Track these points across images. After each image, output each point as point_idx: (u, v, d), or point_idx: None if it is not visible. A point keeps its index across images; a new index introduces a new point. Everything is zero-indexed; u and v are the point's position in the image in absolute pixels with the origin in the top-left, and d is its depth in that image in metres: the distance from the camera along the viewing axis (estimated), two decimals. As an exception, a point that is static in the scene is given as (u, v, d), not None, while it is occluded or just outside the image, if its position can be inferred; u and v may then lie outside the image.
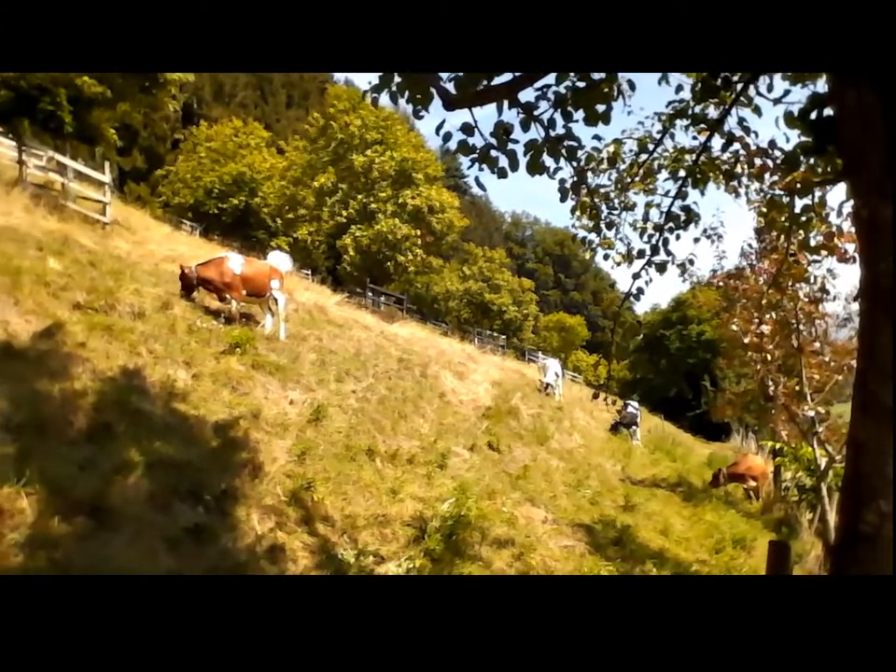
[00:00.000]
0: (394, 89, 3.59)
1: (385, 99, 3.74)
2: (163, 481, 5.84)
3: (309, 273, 35.49)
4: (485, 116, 3.52)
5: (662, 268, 4.79)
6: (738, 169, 4.60)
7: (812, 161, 3.27)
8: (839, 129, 2.42)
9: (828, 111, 2.74)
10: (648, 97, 4.92)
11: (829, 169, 3.27)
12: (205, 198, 43.01)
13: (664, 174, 5.07)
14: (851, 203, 3.61)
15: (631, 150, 5.49)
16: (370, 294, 35.25)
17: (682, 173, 4.68)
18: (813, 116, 2.78)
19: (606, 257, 5.33)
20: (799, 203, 4.06)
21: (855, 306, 11.09)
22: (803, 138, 3.04)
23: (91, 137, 20.16)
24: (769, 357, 10.08)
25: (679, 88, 4.77)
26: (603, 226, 5.12)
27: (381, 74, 3.55)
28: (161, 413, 7.14)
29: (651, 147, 5.36)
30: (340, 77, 76.04)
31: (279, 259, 13.30)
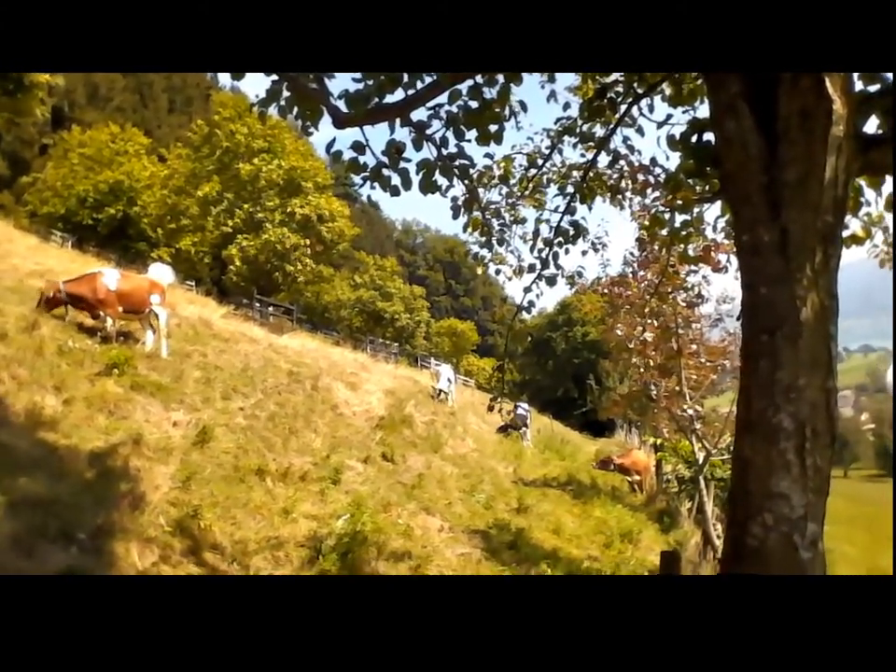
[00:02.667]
0: (283, 103, 3.44)
1: (273, 108, 3.61)
2: (28, 522, 5.30)
3: (193, 284, 34.04)
4: (377, 133, 3.45)
5: (552, 281, 4.89)
6: (623, 185, 4.77)
7: (692, 180, 3.41)
8: (722, 160, 2.52)
9: (707, 135, 2.86)
10: (536, 113, 5.02)
11: (707, 188, 3.42)
12: (78, 207, 40.17)
13: (553, 189, 5.19)
14: (726, 219, 3.82)
15: (521, 165, 5.59)
16: (257, 305, 34.26)
17: (571, 189, 4.80)
18: (693, 139, 2.90)
19: (497, 272, 5.40)
20: (679, 219, 4.24)
21: (725, 307, 11.95)
22: (683, 159, 3.17)
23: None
24: (651, 363, 10.62)
25: (567, 105, 4.91)
26: (494, 242, 5.17)
27: (268, 87, 3.40)
28: (25, 445, 6.53)
29: (540, 161, 5.49)
30: (225, 83, 73.15)
31: (160, 272, 12.62)
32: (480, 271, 5.41)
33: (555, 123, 5.17)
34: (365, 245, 68.33)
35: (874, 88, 2.55)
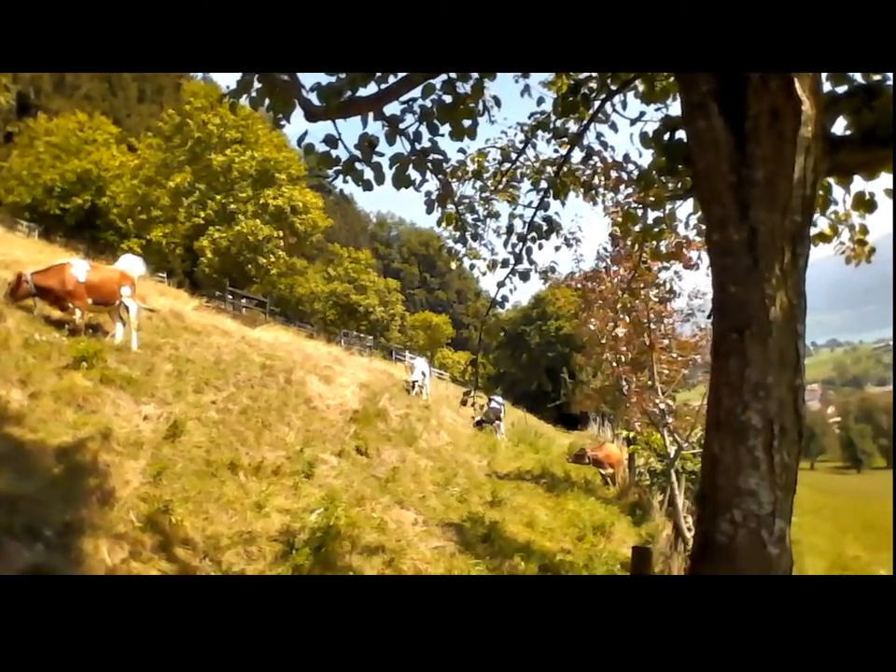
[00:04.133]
0: (254, 94, 3.40)
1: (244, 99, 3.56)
2: (-7, 519, 5.21)
3: (164, 276, 33.56)
4: (349, 127, 3.42)
5: (525, 276, 4.90)
6: (596, 180, 4.80)
7: (664, 178, 3.44)
8: (693, 158, 2.54)
9: (679, 133, 2.87)
10: (510, 108, 5.02)
11: (679, 185, 3.45)
12: (45, 197, 39.31)
13: (526, 184, 5.20)
14: (697, 216, 3.85)
15: (494, 159, 5.59)
16: (230, 298, 33.90)
17: (544, 184, 4.81)
18: (666, 137, 2.92)
19: (472, 267, 5.40)
20: (651, 215, 4.27)
21: (697, 302, 12.12)
22: (656, 157, 3.19)
23: None
24: (623, 358, 10.73)
25: (541, 100, 4.91)
26: (468, 236, 5.17)
27: (238, 78, 3.35)
28: (-10, 440, 6.40)
29: (513, 155, 5.49)
30: (196, 72, 71.88)
31: (131, 263, 12.39)
32: (454, 265, 5.41)
33: (529, 118, 5.18)
34: (339, 238, 67.97)
35: (841, 89, 2.60)
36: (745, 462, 2.32)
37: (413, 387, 19.85)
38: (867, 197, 3.27)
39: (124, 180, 39.95)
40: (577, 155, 4.75)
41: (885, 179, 2.84)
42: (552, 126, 4.65)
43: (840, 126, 2.61)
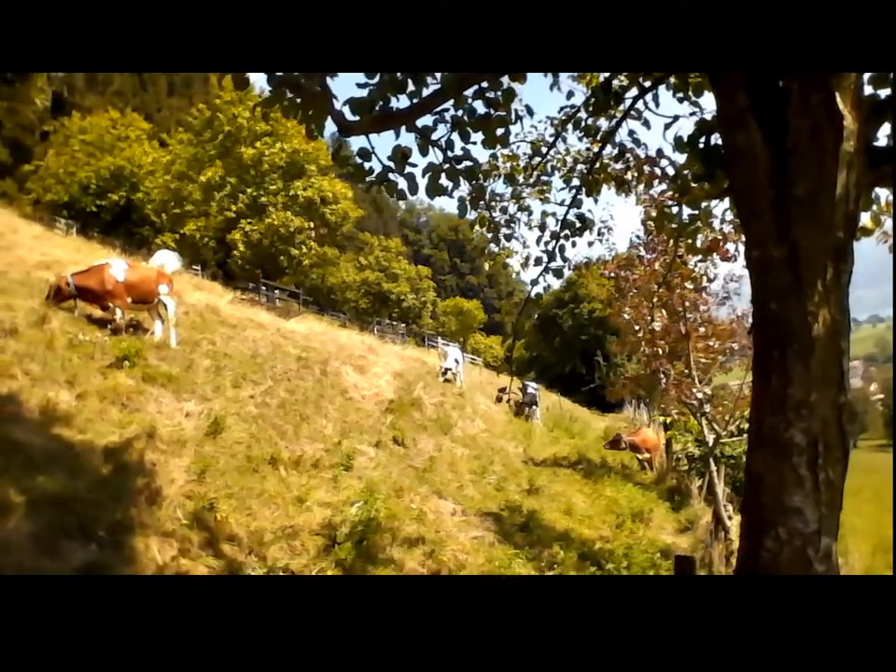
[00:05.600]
0: (286, 104, 3.43)
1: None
2: (48, 520, 5.38)
3: (199, 268, 34.07)
4: (382, 138, 3.44)
5: (559, 274, 4.90)
6: (629, 176, 4.75)
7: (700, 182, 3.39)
8: (731, 173, 2.51)
9: (715, 136, 2.83)
10: (540, 101, 4.98)
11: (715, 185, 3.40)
12: (81, 194, 40.05)
13: (557, 179, 5.17)
14: (734, 212, 3.79)
15: (525, 154, 5.57)
16: (263, 289, 34.28)
17: (576, 182, 4.78)
18: (701, 141, 2.88)
19: (505, 266, 5.40)
20: (686, 211, 4.22)
21: (733, 285, 11.91)
22: (690, 162, 3.15)
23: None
24: (660, 351, 10.62)
25: (571, 94, 4.87)
26: (502, 237, 5.17)
27: (271, 89, 3.39)
28: (41, 441, 6.58)
29: (544, 149, 5.47)
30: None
31: (166, 259, 12.61)
32: (487, 266, 5.42)
33: (559, 111, 5.15)
34: (369, 226, 68.05)
35: (884, 92, 2.52)
36: (789, 480, 2.31)
37: (446, 374, 19.91)
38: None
39: (157, 176, 40.55)
40: (609, 150, 4.72)
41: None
42: (583, 124, 4.63)
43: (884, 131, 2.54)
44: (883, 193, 3.69)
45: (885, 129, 2.48)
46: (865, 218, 3.64)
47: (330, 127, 3.58)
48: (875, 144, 2.47)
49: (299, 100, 3.24)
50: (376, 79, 3.14)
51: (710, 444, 11.07)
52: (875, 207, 3.78)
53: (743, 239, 2.77)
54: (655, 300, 9.55)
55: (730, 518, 9.98)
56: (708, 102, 3.30)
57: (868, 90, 2.48)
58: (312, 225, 35.73)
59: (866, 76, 2.45)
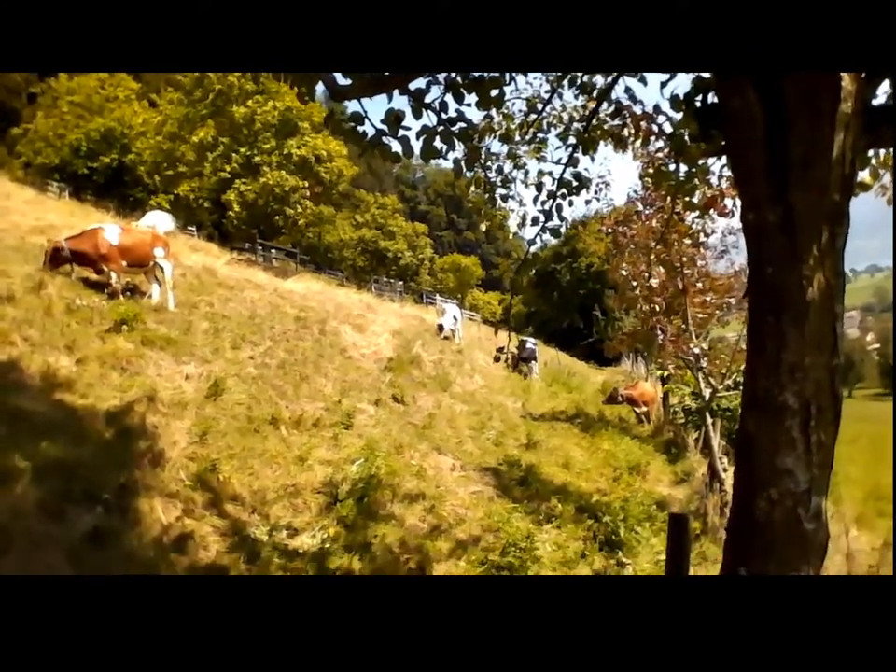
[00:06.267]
0: (277, 69, 3.36)
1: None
2: (54, 485, 5.45)
3: (194, 229, 33.81)
4: (374, 101, 3.39)
5: (556, 233, 4.87)
6: (626, 132, 4.69)
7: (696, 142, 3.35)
8: (727, 135, 2.47)
9: (711, 95, 2.79)
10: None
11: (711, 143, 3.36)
12: (72, 157, 39.28)
13: (554, 141, 5.10)
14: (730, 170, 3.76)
15: (521, 111, 5.49)
16: (259, 249, 34.10)
17: (572, 140, 4.72)
18: (698, 100, 2.84)
19: (502, 226, 5.37)
20: (683, 169, 4.18)
21: (731, 238, 11.86)
22: (686, 121, 3.10)
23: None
24: (658, 308, 10.63)
25: (566, 49, 4.75)
26: (498, 197, 5.13)
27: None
28: (44, 408, 6.63)
29: (539, 106, 5.39)
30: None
31: (159, 219, 12.49)
32: (484, 227, 5.39)
33: (555, 66, 5.05)
34: (365, 183, 67.30)
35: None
36: (781, 442, 2.34)
37: (443, 329, 19.97)
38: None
39: (148, 137, 39.81)
40: (605, 107, 4.65)
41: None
42: (579, 81, 4.55)
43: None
44: (882, 150, 3.65)
45: (884, 87, 2.45)
46: (863, 174, 3.61)
47: (322, 87, 3.54)
48: (873, 104, 2.44)
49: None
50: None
51: (707, 398, 11.17)
52: (874, 161, 3.74)
53: (741, 228, 2.76)
54: (653, 256, 9.52)
55: (725, 470, 10.13)
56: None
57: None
58: (307, 184, 35.39)
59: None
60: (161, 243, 11.56)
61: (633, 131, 4.55)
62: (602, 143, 5.09)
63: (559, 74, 4.89)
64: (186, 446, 7.31)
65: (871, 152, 3.29)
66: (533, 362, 21.36)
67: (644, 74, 3.97)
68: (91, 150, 39.65)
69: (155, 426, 7.36)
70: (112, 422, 7.05)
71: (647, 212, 10.72)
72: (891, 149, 3.16)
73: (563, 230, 4.90)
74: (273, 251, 36.44)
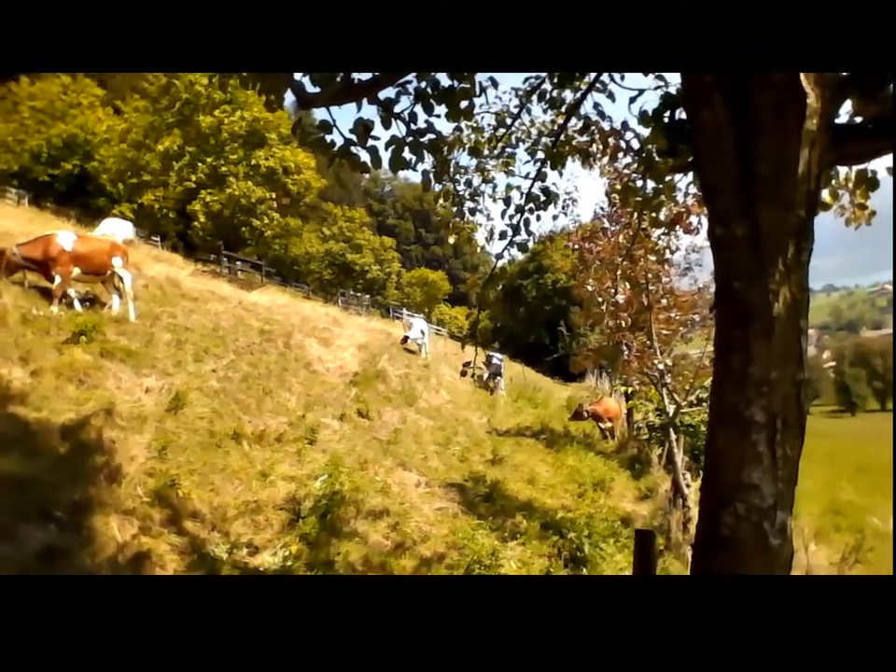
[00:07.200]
0: (244, 74, 3.31)
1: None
2: (4, 501, 5.23)
3: (158, 240, 33.30)
4: (343, 110, 3.37)
5: (524, 248, 4.89)
6: (594, 148, 4.73)
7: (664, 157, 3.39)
8: (696, 149, 2.50)
9: (680, 111, 2.82)
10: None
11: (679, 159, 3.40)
12: (33, 163, 38.50)
13: (522, 151, 5.13)
14: (698, 184, 3.81)
15: (489, 125, 5.52)
16: (225, 261, 33.70)
17: (541, 155, 4.74)
18: (666, 116, 2.87)
19: (470, 240, 5.37)
20: (650, 184, 4.23)
21: (694, 256, 12.09)
22: (655, 136, 3.14)
23: None
24: (623, 324, 10.76)
25: (536, 64, 4.80)
26: (466, 210, 5.13)
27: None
28: (-6, 421, 6.42)
29: (508, 121, 5.42)
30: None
31: (116, 227, 12.24)
32: (452, 240, 5.39)
33: (524, 82, 5.09)
34: (332, 196, 66.99)
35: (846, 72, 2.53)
36: (748, 456, 2.35)
37: (405, 340, 19.93)
38: (869, 175, 3.25)
39: (112, 144, 39.23)
40: (574, 122, 4.70)
41: (888, 157, 2.79)
42: (548, 96, 4.59)
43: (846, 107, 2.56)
44: (842, 170, 3.73)
45: (846, 106, 2.50)
46: (823, 194, 3.69)
47: (290, 97, 3.50)
48: (836, 122, 2.49)
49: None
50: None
51: (671, 414, 11.30)
52: (833, 182, 3.83)
53: (706, 212, 2.78)
54: (619, 272, 9.65)
55: (688, 486, 10.24)
56: (673, 76, 3.30)
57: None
58: (274, 195, 35.23)
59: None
60: (120, 252, 11.31)
61: (601, 147, 4.60)
62: (570, 159, 5.13)
63: (529, 89, 4.93)
64: (144, 461, 7.11)
65: (832, 172, 3.36)
66: (499, 378, 21.43)
67: (612, 90, 4.03)
68: (52, 157, 38.93)
69: (112, 440, 7.15)
70: (67, 436, 6.82)
71: (613, 228, 10.87)
72: (852, 168, 3.23)
73: (530, 244, 4.92)
74: (239, 263, 36.04)
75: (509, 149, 5.66)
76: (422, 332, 21.32)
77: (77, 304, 10.61)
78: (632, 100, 3.36)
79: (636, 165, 4.31)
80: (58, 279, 10.27)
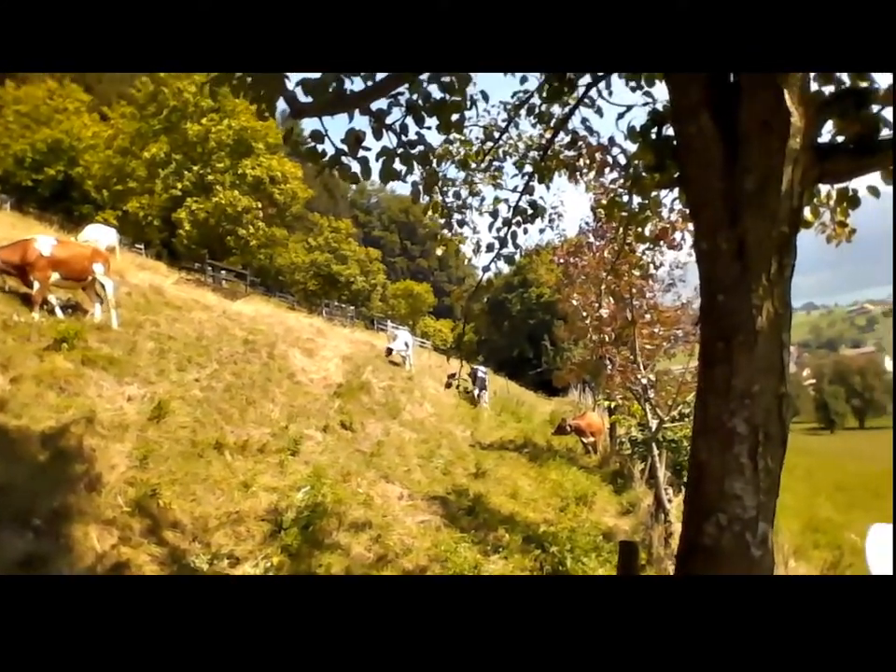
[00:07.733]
0: (235, 83, 3.32)
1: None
2: (-18, 509, 5.20)
3: (142, 248, 33.08)
4: (335, 121, 3.39)
5: (510, 261, 4.93)
6: (581, 163, 4.79)
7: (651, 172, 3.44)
8: (683, 163, 2.55)
9: (667, 127, 2.88)
10: (492, 85, 4.97)
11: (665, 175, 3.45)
12: (16, 168, 38.21)
13: (510, 165, 5.19)
14: (683, 200, 3.86)
15: (478, 138, 5.57)
16: (209, 270, 33.53)
17: (529, 168, 4.80)
18: (654, 132, 2.92)
19: (457, 252, 5.41)
20: (636, 199, 4.28)
21: (678, 272, 12.21)
22: (642, 152, 3.19)
23: None
24: (607, 338, 10.84)
25: (524, 79, 4.87)
26: (454, 222, 5.17)
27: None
28: (-27, 428, 6.34)
29: (496, 134, 5.48)
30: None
31: (98, 233, 12.14)
32: (440, 252, 5.42)
33: (512, 97, 5.16)
34: (319, 206, 66.93)
35: (828, 89, 2.58)
36: (730, 468, 2.38)
37: (389, 353, 19.89)
38: (850, 193, 3.31)
39: (98, 150, 39.05)
40: (561, 137, 4.76)
41: (868, 176, 2.85)
42: (537, 110, 4.65)
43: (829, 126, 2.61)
44: (824, 188, 3.80)
45: (827, 126, 2.55)
46: (805, 211, 3.75)
47: (281, 106, 3.52)
48: (818, 140, 2.55)
49: (249, 79, 3.16)
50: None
51: (653, 429, 11.37)
52: (815, 199, 3.90)
53: (690, 228, 2.83)
54: (603, 287, 9.73)
55: (670, 501, 10.29)
56: (661, 92, 3.36)
57: (814, 86, 2.56)
58: (260, 205, 35.18)
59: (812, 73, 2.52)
60: (102, 258, 11.21)
61: (588, 161, 4.66)
62: (557, 173, 5.20)
63: (517, 103, 5.00)
64: (125, 470, 7.03)
65: (814, 190, 3.42)
66: (483, 391, 21.44)
67: (600, 106, 4.10)
68: (36, 162, 38.68)
69: (93, 448, 7.07)
70: (47, 443, 6.73)
71: (598, 243, 10.97)
72: (834, 186, 3.29)
73: (517, 257, 4.96)
74: (223, 272, 35.87)
75: (496, 163, 5.72)
76: (406, 344, 21.28)
77: (58, 311, 10.49)
78: (620, 116, 3.42)
79: (622, 180, 4.38)
80: (36, 284, 10.14)
